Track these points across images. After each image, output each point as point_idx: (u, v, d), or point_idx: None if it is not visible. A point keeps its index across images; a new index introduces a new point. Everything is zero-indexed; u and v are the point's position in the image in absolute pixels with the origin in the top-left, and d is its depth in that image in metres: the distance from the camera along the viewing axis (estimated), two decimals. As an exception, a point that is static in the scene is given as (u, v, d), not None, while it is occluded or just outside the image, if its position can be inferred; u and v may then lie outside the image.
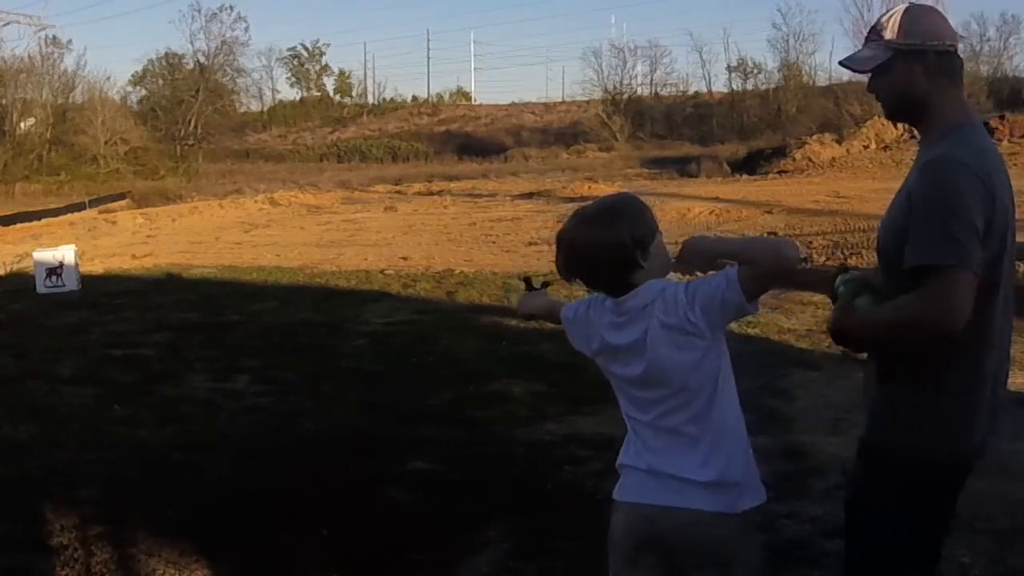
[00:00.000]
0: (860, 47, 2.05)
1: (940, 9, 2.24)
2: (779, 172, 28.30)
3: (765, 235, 2.25)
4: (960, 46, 1.98)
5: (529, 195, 26.84)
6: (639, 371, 1.99)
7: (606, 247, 1.95)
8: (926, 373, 1.89)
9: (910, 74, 1.93)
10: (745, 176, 28.89)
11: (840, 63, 2.13)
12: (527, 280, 2.60)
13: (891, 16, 1.96)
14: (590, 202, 2.14)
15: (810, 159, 29.05)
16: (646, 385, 2.00)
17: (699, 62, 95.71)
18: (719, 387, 1.96)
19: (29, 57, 48.50)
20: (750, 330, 6.81)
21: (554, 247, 2.08)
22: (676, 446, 1.98)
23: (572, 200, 23.50)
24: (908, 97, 1.97)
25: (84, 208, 30.24)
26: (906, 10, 1.96)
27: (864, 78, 2.02)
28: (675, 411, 1.97)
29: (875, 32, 1.99)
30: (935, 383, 1.90)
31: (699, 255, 2.03)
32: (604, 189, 26.20)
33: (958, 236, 1.75)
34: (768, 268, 1.86)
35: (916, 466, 1.92)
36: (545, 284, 2.58)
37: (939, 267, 1.75)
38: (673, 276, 2.03)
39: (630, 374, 2.02)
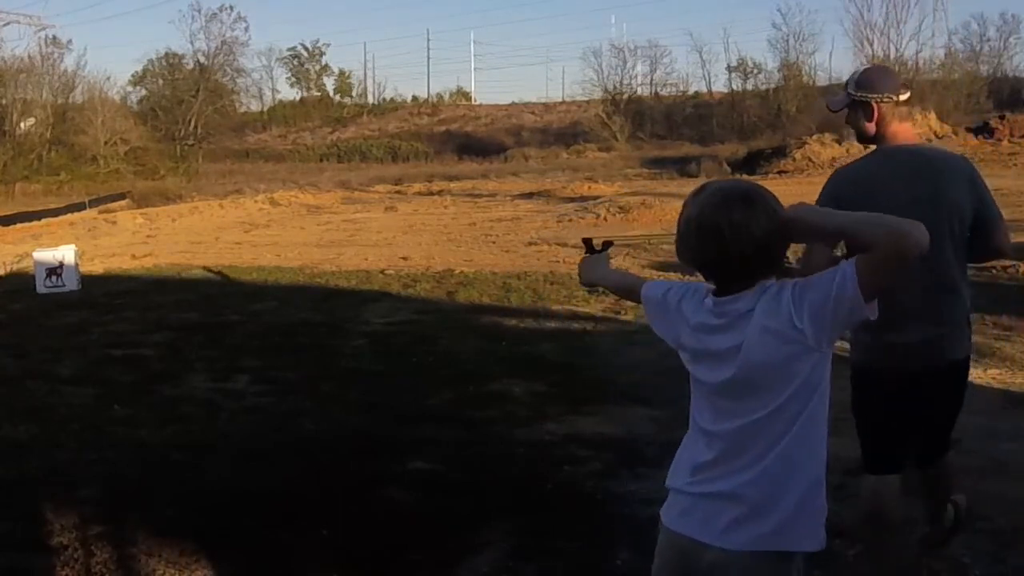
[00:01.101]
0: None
1: (890, 67, 3.45)
2: (779, 172, 28.32)
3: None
4: (903, 96, 2.78)
5: (529, 195, 26.85)
6: (726, 376, 1.78)
7: (767, 233, 1.71)
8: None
9: (857, 117, 2.82)
10: (745, 176, 28.87)
11: (825, 101, 3.11)
12: (587, 242, 2.37)
13: (854, 73, 2.90)
14: (718, 179, 1.92)
15: (810, 159, 29.07)
16: (730, 393, 1.79)
17: (699, 62, 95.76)
18: (809, 409, 1.73)
19: (29, 57, 48.55)
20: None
21: (679, 218, 1.82)
22: (738, 466, 1.76)
23: (572, 200, 23.53)
24: (858, 131, 2.86)
25: (84, 208, 30.25)
26: (864, 70, 2.91)
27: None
28: (752, 429, 1.75)
29: (847, 83, 2.89)
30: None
31: (807, 228, 1.79)
32: (604, 189, 26.24)
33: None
34: (890, 254, 1.59)
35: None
36: (607, 245, 2.36)
37: None
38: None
39: (714, 379, 1.81)
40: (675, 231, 1.83)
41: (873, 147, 2.84)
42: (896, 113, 2.78)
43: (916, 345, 2.69)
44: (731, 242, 1.71)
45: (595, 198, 22.95)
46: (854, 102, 2.81)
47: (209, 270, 12.84)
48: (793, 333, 1.69)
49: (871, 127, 2.79)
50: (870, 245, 1.61)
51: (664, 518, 1.91)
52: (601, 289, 2.33)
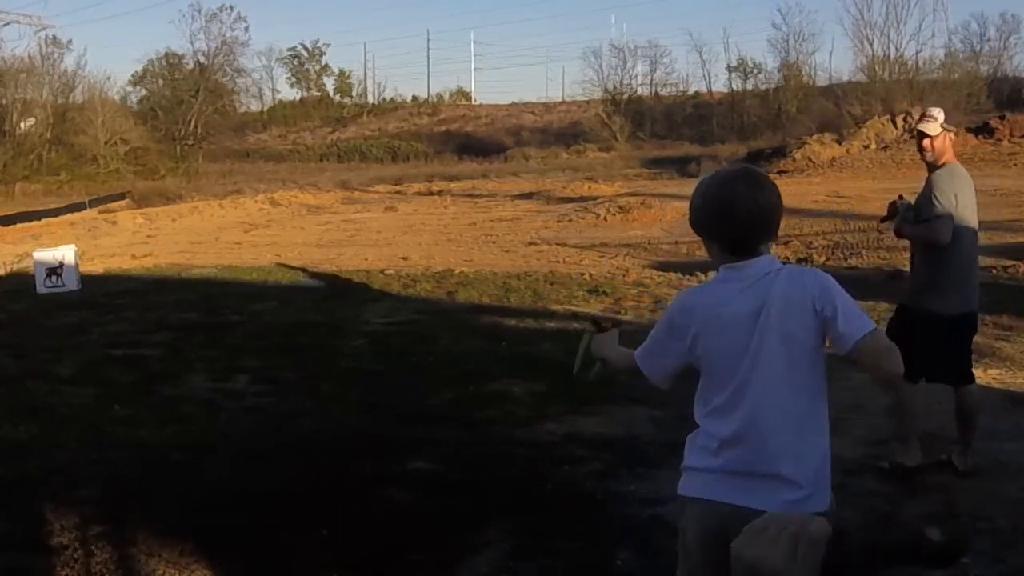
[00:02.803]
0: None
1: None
2: (779, 172, 28.25)
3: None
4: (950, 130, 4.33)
5: (527, 195, 26.84)
6: (750, 342, 2.01)
7: (772, 208, 2.07)
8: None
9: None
10: (745, 175, 28.87)
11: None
12: (597, 321, 2.50)
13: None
14: (729, 166, 2.28)
15: (810, 159, 29.04)
16: (751, 355, 2.01)
17: (699, 62, 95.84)
18: (815, 378, 2.04)
19: (29, 57, 48.46)
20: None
21: (700, 201, 2.11)
22: (756, 438, 2.01)
23: (571, 200, 23.51)
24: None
25: (84, 208, 30.23)
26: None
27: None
28: (768, 393, 2.00)
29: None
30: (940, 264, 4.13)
31: None
32: (604, 189, 26.20)
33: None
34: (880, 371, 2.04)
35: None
36: (616, 324, 2.48)
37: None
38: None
39: (735, 346, 2.03)
40: (692, 206, 2.13)
41: None
42: None
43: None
44: (758, 215, 2.05)
45: (595, 198, 22.94)
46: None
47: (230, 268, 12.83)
48: (812, 313, 1.98)
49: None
50: (878, 372, 2.05)
51: (695, 492, 2.11)
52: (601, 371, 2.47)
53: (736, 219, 2.04)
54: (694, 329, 2.09)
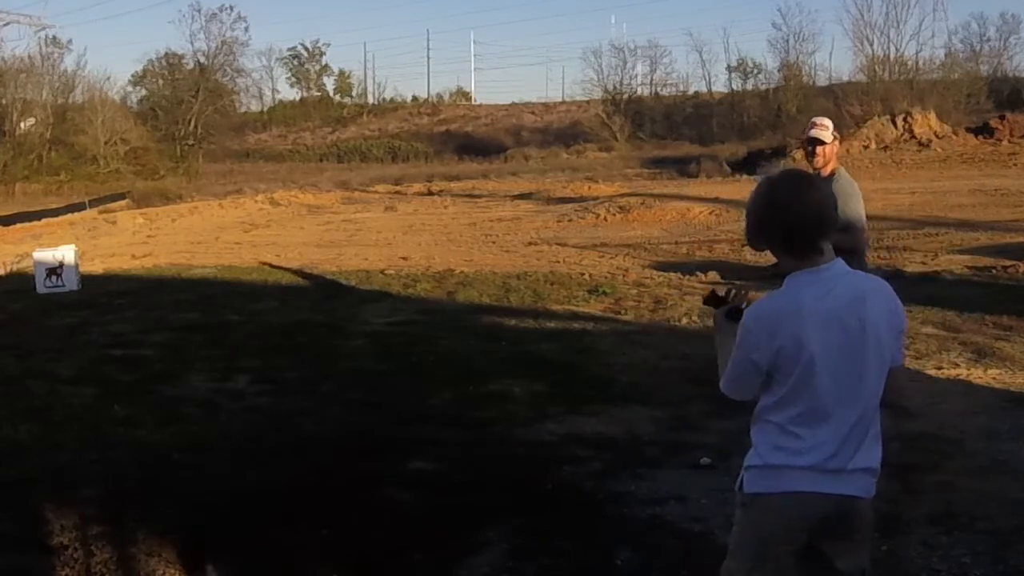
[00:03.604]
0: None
1: None
2: (779, 172, 28.29)
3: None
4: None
5: (527, 195, 26.84)
6: (855, 328, 2.07)
7: (831, 205, 2.16)
8: None
9: None
10: (745, 176, 28.85)
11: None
12: (714, 295, 2.39)
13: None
14: (783, 171, 2.31)
15: (810, 159, 29.01)
16: (851, 353, 2.07)
17: (699, 62, 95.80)
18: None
19: (29, 57, 48.53)
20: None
21: (767, 211, 2.13)
22: (859, 433, 2.11)
23: (571, 200, 23.51)
24: None
25: (84, 208, 30.26)
26: None
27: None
28: (864, 393, 2.10)
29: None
30: None
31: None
32: (604, 189, 26.21)
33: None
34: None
35: None
36: (730, 293, 2.37)
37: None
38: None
39: (837, 342, 2.07)
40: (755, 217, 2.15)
41: None
42: None
43: None
44: (827, 217, 2.12)
45: (595, 198, 22.94)
46: None
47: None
48: (897, 325, 2.18)
49: None
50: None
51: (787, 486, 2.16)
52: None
53: (805, 220, 2.09)
54: (781, 338, 2.08)
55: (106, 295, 10.69)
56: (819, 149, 4.47)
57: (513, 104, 67.27)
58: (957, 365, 5.99)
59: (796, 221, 2.08)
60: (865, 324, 2.08)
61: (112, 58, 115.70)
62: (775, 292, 2.17)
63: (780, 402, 2.13)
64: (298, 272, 12.26)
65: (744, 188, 24.33)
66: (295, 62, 70.51)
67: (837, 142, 4.63)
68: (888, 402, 2.31)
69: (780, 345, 2.07)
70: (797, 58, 53.12)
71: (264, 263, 13.44)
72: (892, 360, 2.15)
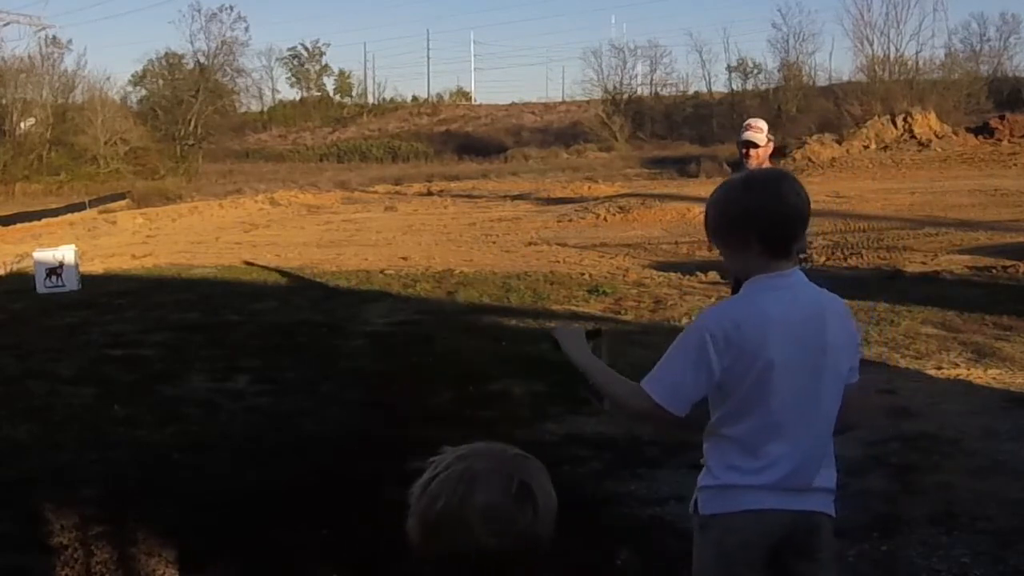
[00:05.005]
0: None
1: None
2: (779, 172, 28.32)
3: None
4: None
5: (524, 196, 26.83)
6: (814, 344, 1.99)
7: (808, 205, 2.08)
8: None
9: None
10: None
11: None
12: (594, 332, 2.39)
13: None
14: (759, 169, 2.33)
15: (810, 159, 29.07)
16: (810, 370, 1.99)
17: (699, 62, 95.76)
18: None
19: (29, 57, 48.50)
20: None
21: (762, 214, 2.00)
22: (818, 452, 2.07)
23: (571, 200, 23.52)
24: None
25: (84, 208, 30.25)
26: None
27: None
28: (821, 410, 2.04)
29: None
30: None
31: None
32: (604, 189, 26.21)
33: None
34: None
35: None
36: (596, 332, 2.37)
37: None
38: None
39: (798, 356, 1.98)
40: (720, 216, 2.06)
41: None
42: None
43: None
44: (806, 216, 2.05)
45: (595, 198, 22.94)
46: None
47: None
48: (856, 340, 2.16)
49: None
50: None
51: (749, 504, 2.08)
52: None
53: (788, 217, 2.00)
54: (740, 344, 1.96)
55: (106, 295, 10.69)
56: (752, 151, 4.65)
57: (513, 104, 67.29)
58: (957, 365, 5.99)
59: (781, 217, 1.99)
60: (825, 343, 2.00)
61: (112, 58, 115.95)
62: (735, 297, 2.11)
63: (733, 414, 2.02)
64: (280, 271, 12.25)
65: (744, 188, 24.32)
66: (295, 62, 70.59)
67: (771, 144, 4.77)
68: (851, 423, 2.28)
69: (739, 351, 1.95)
70: (797, 58, 53.14)
71: (247, 262, 13.43)
72: (848, 378, 2.08)
